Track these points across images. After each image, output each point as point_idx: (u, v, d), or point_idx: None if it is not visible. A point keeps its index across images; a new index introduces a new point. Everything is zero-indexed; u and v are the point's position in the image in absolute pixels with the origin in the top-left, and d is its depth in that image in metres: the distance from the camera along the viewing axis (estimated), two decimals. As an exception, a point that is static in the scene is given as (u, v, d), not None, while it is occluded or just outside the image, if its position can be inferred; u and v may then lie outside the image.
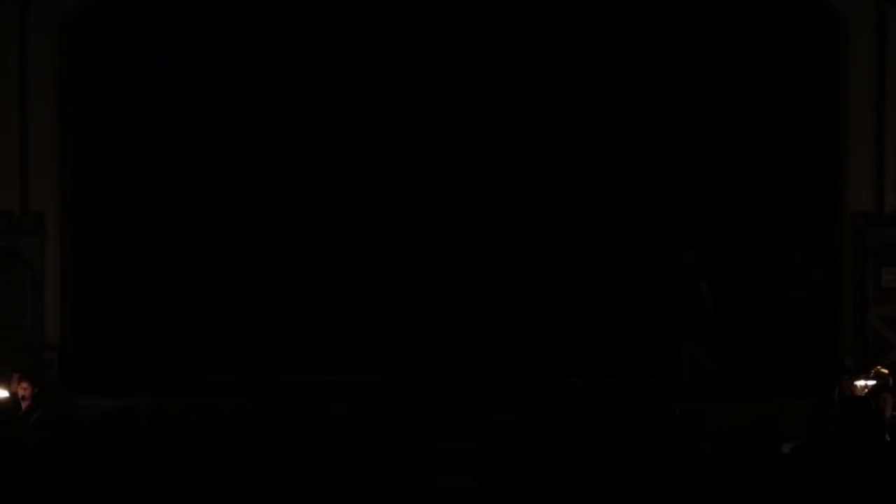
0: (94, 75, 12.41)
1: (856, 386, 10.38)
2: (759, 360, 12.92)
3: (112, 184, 13.11)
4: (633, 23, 12.21)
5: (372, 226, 13.35)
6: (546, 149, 13.19)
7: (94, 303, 12.87)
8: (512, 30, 12.57)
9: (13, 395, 10.04)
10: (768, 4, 12.09)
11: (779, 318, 12.93)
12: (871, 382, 10.34)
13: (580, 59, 12.50)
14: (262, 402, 8.13)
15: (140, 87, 12.65)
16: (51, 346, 12.01)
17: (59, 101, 12.18)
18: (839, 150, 12.13)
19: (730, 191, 13.13)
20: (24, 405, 9.83)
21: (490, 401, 11.67)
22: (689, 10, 12.16)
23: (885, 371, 10.45)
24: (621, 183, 13.24)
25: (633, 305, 12.88)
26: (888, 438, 8.43)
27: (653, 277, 12.87)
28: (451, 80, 12.96)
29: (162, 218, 13.30)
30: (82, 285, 12.61)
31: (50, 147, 12.13)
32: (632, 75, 12.51)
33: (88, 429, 7.00)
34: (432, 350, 13.09)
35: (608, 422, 6.71)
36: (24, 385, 9.99)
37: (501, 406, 11.05)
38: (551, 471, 5.00)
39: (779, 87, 12.48)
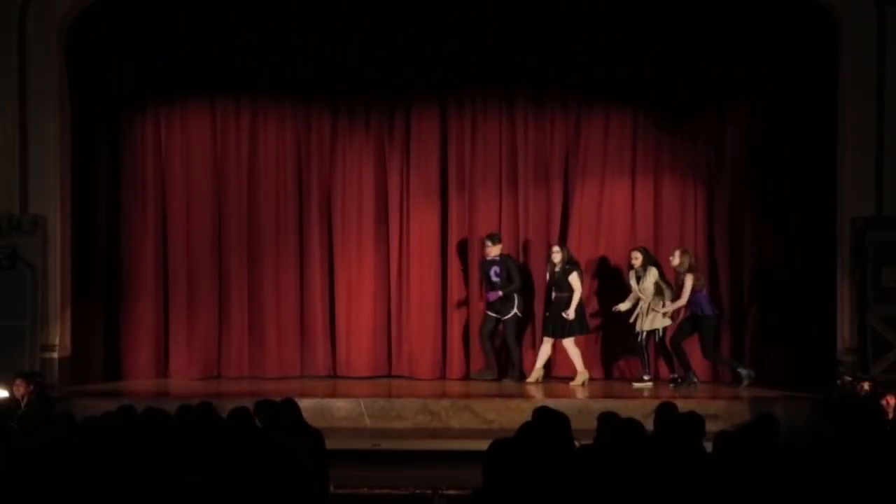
0: (94, 75, 12.39)
1: (855, 386, 10.37)
2: (760, 359, 12.95)
3: (112, 183, 13.12)
4: (631, 22, 12.18)
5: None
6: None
7: (95, 303, 12.88)
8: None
9: (13, 395, 10.05)
10: (767, 4, 12.07)
11: (779, 317, 12.94)
12: (869, 383, 10.32)
13: (572, 66, 12.49)
14: (263, 402, 8.09)
15: (140, 86, 12.64)
16: (51, 346, 12.00)
17: (59, 101, 12.17)
18: (839, 150, 12.12)
19: (729, 191, 13.15)
20: (23, 404, 9.84)
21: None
22: (687, 11, 12.13)
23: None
24: (620, 184, 13.27)
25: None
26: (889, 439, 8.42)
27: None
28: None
29: (163, 217, 13.31)
30: (83, 285, 12.61)
31: (50, 147, 12.11)
32: (629, 75, 12.49)
33: (87, 429, 7.00)
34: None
35: (608, 421, 6.69)
36: (18, 382, 10.01)
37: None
38: (551, 469, 5.00)
39: (778, 86, 12.47)
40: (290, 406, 7.90)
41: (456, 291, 13.27)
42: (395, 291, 13.33)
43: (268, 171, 13.38)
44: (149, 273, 13.17)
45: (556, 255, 12.49)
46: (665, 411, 7.44)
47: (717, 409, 10.96)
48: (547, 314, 12.67)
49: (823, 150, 12.43)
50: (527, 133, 13.29)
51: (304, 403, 10.18)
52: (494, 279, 12.63)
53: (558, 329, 12.46)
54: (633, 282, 12.34)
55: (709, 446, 6.41)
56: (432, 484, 8.59)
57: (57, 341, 12.06)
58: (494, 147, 13.30)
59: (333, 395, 11.84)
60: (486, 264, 12.73)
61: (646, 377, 12.33)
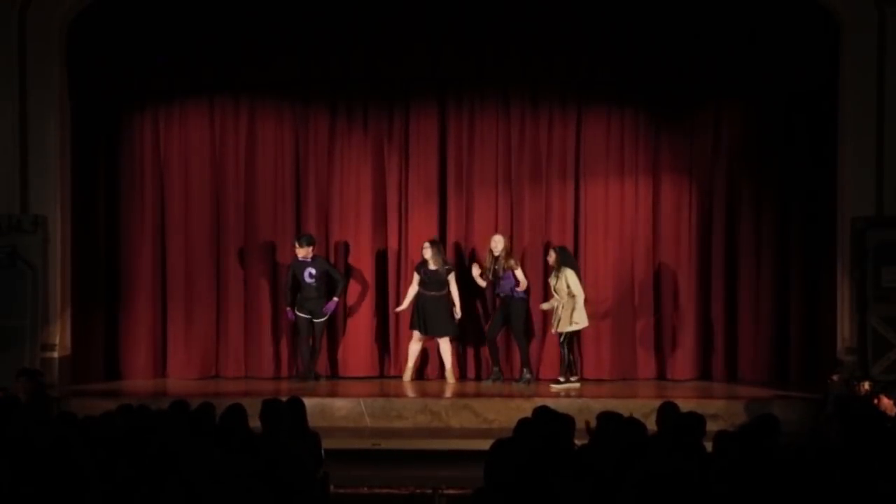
0: (94, 75, 12.39)
1: (855, 386, 10.37)
2: (759, 359, 12.95)
3: (112, 183, 13.12)
4: (630, 22, 12.18)
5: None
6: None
7: (95, 302, 12.87)
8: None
9: (13, 395, 10.04)
10: (767, 5, 12.07)
11: (779, 317, 12.94)
12: (869, 383, 10.31)
13: (571, 66, 12.49)
14: (264, 403, 8.09)
15: (139, 86, 12.64)
16: (51, 346, 12.00)
17: (59, 101, 12.17)
18: (839, 150, 12.12)
19: (728, 190, 13.14)
20: (23, 401, 9.83)
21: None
22: (687, 11, 12.13)
23: None
24: (618, 184, 13.26)
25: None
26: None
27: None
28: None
29: (162, 217, 13.31)
30: (83, 285, 12.60)
31: (50, 147, 12.11)
32: (627, 75, 12.49)
33: (87, 428, 6.99)
34: None
35: (607, 421, 6.69)
36: (23, 379, 10.00)
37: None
38: (551, 468, 5.01)
39: (778, 86, 12.47)
40: (297, 405, 7.89)
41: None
42: (392, 291, 13.31)
43: (266, 170, 13.38)
44: (147, 272, 13.17)
45: (427, 252, 12.43)
46: (666, 411, 7.43)
47: (717, 409, 10.96)
48: (416, 312, 12.54)
49: (823, 150, 12.42)
50: (525, 132, 13.28)
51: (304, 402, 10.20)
52: (309, 280, 12.49)
53: (439, 328, 12.44)
54: (551, 280, 12.27)
55: (709, 446, 6.41)
56: (432, 484, 8.60)
57: (57, 341, 12.06)
58: (493, 146, 13.29)
59: (333, 394, 11.83)
60: (298, 266, 12.52)
61: (561, 378, 12.14)
